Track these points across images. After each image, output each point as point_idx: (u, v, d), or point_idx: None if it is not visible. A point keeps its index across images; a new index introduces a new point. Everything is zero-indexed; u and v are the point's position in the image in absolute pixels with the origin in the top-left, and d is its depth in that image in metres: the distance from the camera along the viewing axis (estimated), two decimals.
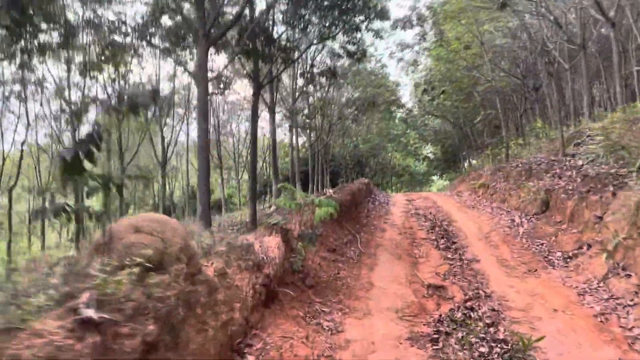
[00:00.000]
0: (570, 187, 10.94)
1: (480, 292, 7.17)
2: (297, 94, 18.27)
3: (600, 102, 23.33)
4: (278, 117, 23.37)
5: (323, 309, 5.92)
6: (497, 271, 8.30)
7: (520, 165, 16.32)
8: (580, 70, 19.43)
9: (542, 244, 9.58)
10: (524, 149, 19.99)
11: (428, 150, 48.02)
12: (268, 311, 4.93)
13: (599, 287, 6.76)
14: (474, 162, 31.83)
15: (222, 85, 12.67)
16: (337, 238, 9.24)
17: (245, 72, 13.53)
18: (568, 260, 8.26)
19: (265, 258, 5.07)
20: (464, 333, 5.59)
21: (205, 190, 8.18)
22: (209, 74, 12.76)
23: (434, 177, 50.71)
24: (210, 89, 14.10)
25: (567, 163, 13.17)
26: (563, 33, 17.36)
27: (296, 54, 13.27)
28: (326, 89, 21.22)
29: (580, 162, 12.52)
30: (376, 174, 40.22)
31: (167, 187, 38.51)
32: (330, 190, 13.39)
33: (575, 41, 17.08)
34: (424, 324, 6.02)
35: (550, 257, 8.70)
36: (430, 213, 14.95)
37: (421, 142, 45.97)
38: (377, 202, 18.05)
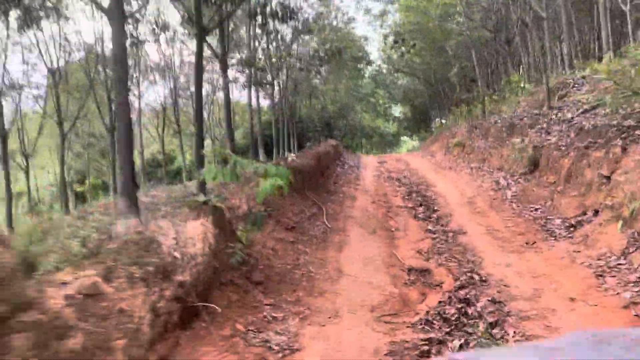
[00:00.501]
0: (563, 143, 9.62)
1: (474, 275, 5.77)
2: (253, 42, 16.23)
3: (574, 54, 22.27)
4: (235, 74, 21.26)
5: (274, 315, 4.37)
6: (489, 246, 6.94)
7: (499, 121, 14.99)
8: (554, 21, 18.11)
9: (536, 209, 8.28)
10: (501, 104, 18.68)
11: (397, 111, 46.69)
12: (186, 335, 3.33)
13: (619, 265, 5.44)
14: (444, 121, 30.56)
15: (155, 29, 10.52)
16: (297, 212, 7.65)
17: (184, 13, 11.41)
18: (572, 229, 6.96)
19: (179, 257, 3.45)
20: (462, 340, 4.17)
21: (127, 157, 6.38)
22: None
23: (404, 138, 49.66)
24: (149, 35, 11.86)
25: (553, 116, 11.88)
26: None
27: None
28: (288, 42, 19.19)
29: (569, 115, 11.23)
30: (345, 136, 38.64)
31: None
32: (293, 155, 11.72)
33: None
34: (408, 327, 4.59)
35: (549, 226, 7.39)
36: (405, 177, 13.54)
37: (390, 102, 44.55)
38: (347, 166, 16.52)
